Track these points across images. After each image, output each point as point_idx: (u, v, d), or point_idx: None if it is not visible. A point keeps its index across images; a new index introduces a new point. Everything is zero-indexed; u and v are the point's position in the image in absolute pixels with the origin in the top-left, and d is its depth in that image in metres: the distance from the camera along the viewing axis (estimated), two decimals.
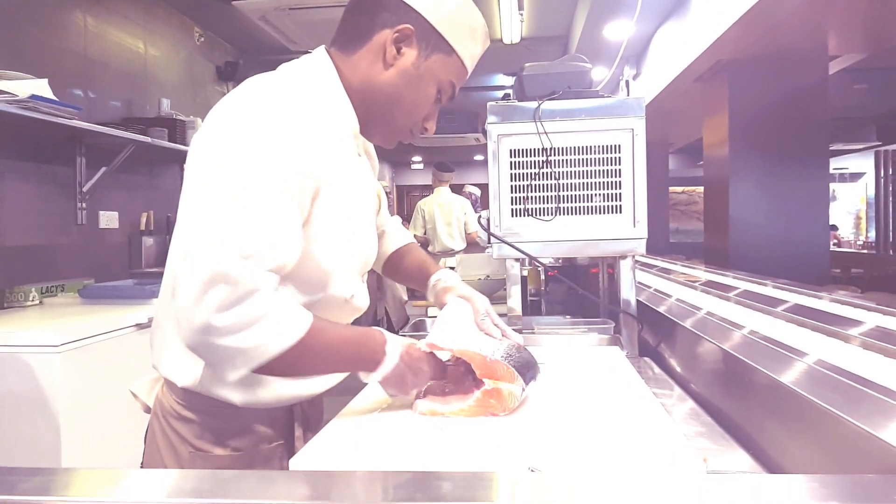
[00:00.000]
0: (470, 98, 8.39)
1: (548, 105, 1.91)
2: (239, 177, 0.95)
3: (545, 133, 1.91)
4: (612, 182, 1.92)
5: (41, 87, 2.83)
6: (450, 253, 6.53)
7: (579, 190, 1.92)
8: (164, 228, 4.36)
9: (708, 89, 4.98)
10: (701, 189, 11.16)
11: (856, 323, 1.72)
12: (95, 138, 3.45)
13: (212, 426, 1.12)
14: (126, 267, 4.03)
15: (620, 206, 1.92)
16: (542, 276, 3.08)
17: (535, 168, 1.93)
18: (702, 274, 3.69)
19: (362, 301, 1.24)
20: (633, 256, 1.94)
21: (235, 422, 1.12)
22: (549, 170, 1.92)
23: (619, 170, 1.91)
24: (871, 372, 1.20)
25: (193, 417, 1.13)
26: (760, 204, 5.04)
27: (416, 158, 14.00)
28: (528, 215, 1.94)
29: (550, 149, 1.91)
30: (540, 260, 2.00)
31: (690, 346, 1.77)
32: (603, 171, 1.92)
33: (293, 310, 0.98)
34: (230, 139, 0.96)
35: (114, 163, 3.66)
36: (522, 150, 1.93)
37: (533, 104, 1.92)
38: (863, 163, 11.51)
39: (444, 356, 1.18)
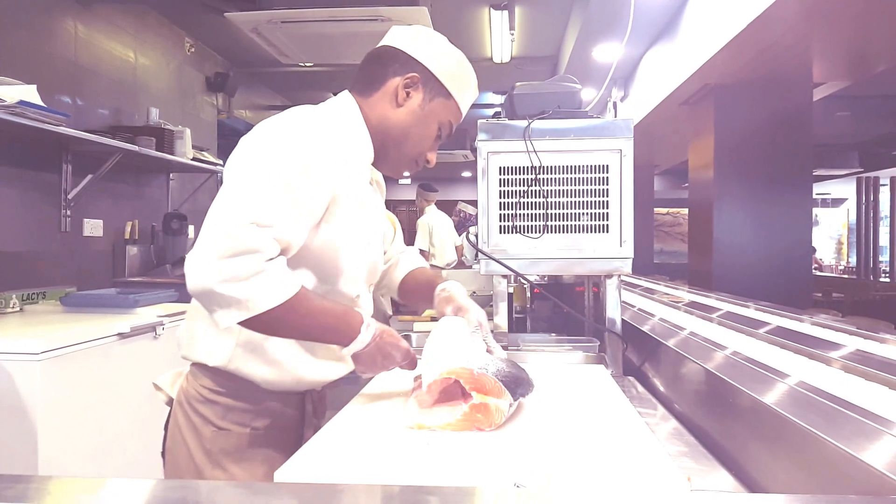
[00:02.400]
0: None
1: (538, 124, 1.93)
2: (263, 166, 1.14)
3: (534, 151, 1.92)
4: (599, 202, 1.93)
5: (30, 92, 2.81)
6: (450, 265, 6.61)
7: (567, 208, 1.94)
8: (149, 238, 4.34)
9: (694, 112, 5.04)
10: (685, 211, 11.26)
11: (836, 346, 1.74)
12: (82, 145, 3.43)
13: (234, 407, 1.28)
14: (109, 275, 3.99)
15: (607, 225, 1.93)
16: (528, 294, 3.09)
17: (523, 186, 1.94)
18: (685, 294, 3.72)
19: (367, 304, 1.42)
20: (619, 276, 1.96)
21: (256, 403, 1.29)
22: (537, 188, 1.94)
23: (607, 189, 1.93)
24: (852, 394, 1.21)
25: (218, 399, 1.28)
26: (744, 227, 5.09)
27: (405, 174, 14.02)
28: (516, 232, 1.95)
29: (539, 167, 1.93)
30: (526, 277, 2.01)
31: (674, 365, 1.78)
32: (590, 190, 1.94)
33: (286, 273, 1.14)
34: (265, 142, 1.17)
35: (100, 170, 3.64)
36: (512, 167, 1.95)
37: (523, 123, 1.93)
38: (845, 188, 11.66)
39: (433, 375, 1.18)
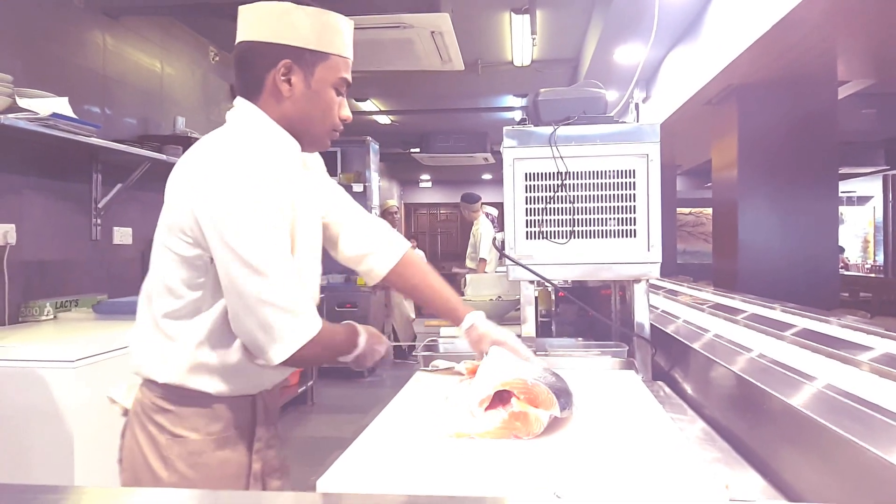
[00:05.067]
0: (479, 118, 8.45)
1: (563, 130, 1.94)
2: (246, 239, 1.21)
3: (560, 157, 1.93)
4: (626, 206, 1.94)
5: (62, 105, 2.87)
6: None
7: (593, 214, 1.94)
8: None
9: (718, 112, 5.01)
10: (708, 210, 11.17)
11: (865, 348, 1.73)
12: (112, 155, 3.50)
13: (188, 415, 1.32)
14: (139, 282, 4.03)
15: (635, 230, 1.93)
16: (553, 297, 3.09)
17: (549, 191, 1.95)
18: (710, 296, 3.70)
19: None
20: (647, 280, 1.96)
21: (209, 410, 1.33)
22: (563, 193, 1.94)
23: (634, 194, 1.93)
24: (883, 398, 1.21)
25: (172, 408, 1.32)
26: (769, 226, 5.05)
27: (425, 177, 14.06)
28: (543, 238, 1.96)
29: (566, 173, 1.94)
30: (552, 282, 2.01)
31: (702, 370, 1.78)
32: (617, 195, 1.94)
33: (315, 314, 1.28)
34: (230, 199, 1.21)
35: (129, 179, 3.70)
36: (537, 173, 1.96)
37: (548, 129, 1.94)
38: (871, 186, 11.51)
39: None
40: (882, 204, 9.71)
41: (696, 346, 1.88)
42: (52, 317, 3.22)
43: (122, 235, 3.95)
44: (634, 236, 1.94)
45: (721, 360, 1.69)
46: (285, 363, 1.24)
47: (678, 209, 11.50)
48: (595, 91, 2.08)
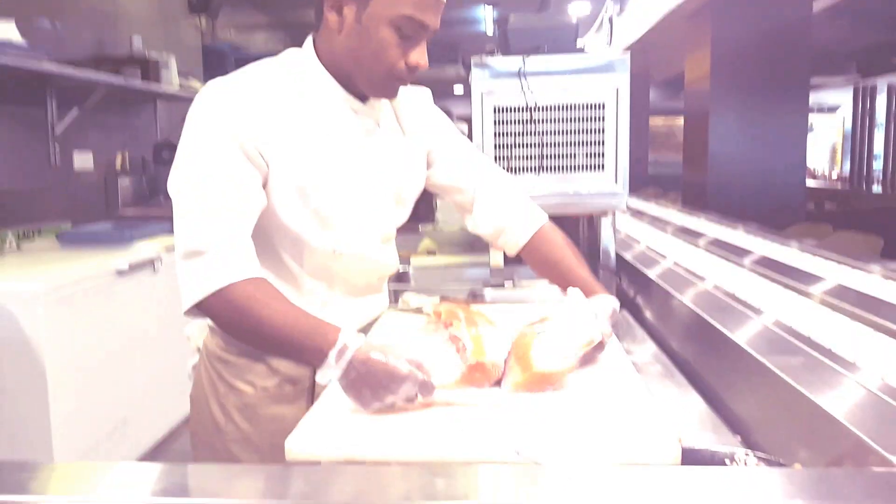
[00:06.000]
0: (446, 29, 8.19)
1: (532, 63, 1.90)
2: (186, 187, 1.13)
3: (530, 90, 1.90)
4: (594, 140, 1.93)
5: (9, 30, 2.73)
6: None
7: (562, 148, 1.93)
8: (140, 168, 4.30)
9: (691, 25, 4.94)
10: (680, 120, 11.17)
11: (818, 279, 1.78)
12: (66, 80, 3.35)
13: (243, 367, 1.28)
14: (102, 209, 3.98)
15: (603, 164, 1.93)
16: None
17: (519, 125, 1.93)
18: (675, 216, 3.74)
19: (354, 260, 1.29)
20: (614, 213, 1.98)
21: (263, 364, 1.27)
22: (532, 127, 1.92)
23: (603, 127, 1.92)
24: (825, 334, 1.31)
25: (230, 359, 1.28)
26: (739, 140, 5.10)
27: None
28: (512, 173, 1.95)
29: (534, 106, 1.91)
30: None
31: (662, 301, 1.84)
32: (586, 128, 1.93)
33: (244, 255, 1.12)
34: (186, 154, 1.14)
35: (86, 103, 3.57)
36: (506, 107, 1.93)
37: (517, 60, 1.90)
38: (840, 95, 11.53)
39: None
40: (851, 113, 9.76)
41: (655, 276, 1.93)
42: (15, 248, 3.16)
43: (83, 161, 3.84)
44: (602, 170, 1.94)
45: (677, 293, 1.74)
46: (190, 313, 1.13)
47: (650, 118, 11.47)
48: (565, 20, 2.03)
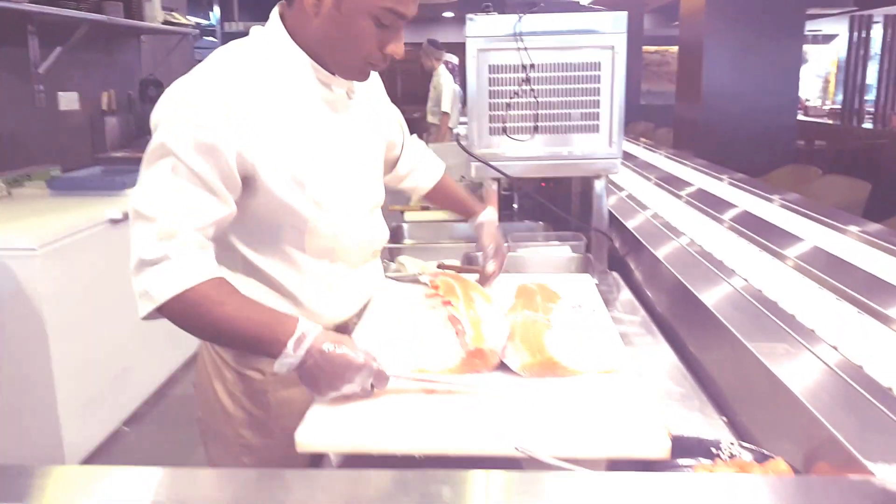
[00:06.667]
0: None
1: (528, 21, 1.86)
2: (150, 156, 1.09)
3: (525, 49, 1.88)
4: (590, 101, 1.92)
5: None
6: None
7: (558, 108, 1.92)
8: (126, 107, 4.23)
9: None
10: (674, 49, 10.97)
11: (796, 240, 1.83)
12: (47, 17, 3.26)
13: (251, 355, 1.24)
14: (90, 150, 3.94)
15: (598, 125, 1.93)
16: None
17: (514, 85, 1.91)
18: (663, 162, 3.76)
19: (352, 236, 1.30)
20: (607, 175, 1.99)
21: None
22: (528, 87, 1.91)
23: (598, 88, 1.91)
24: (796, 302, 1.37)
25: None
26: (733, 73, 5.09)
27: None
28: (506, 133, 1.94)
29: (530, 66, 1.89)
30: (514, 176, 2.02)
31: (648, 263, 1.88)
32: (582, 88, 1.91)
33: (198, 261, 1.07)
34: (159, 127, 1.09)
35: (69, 42, 3.48)
36: (502, 66, 1.91)
37: (514, 18, 1.87)
38: (836, 25, 11.33)
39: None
40: (847, 45, 9.62)
41: (643, 238, 1.97)
42: (6, 194, 3.13)
43: (69, 101, 3.77)
44: (597, 131, 1.94)
45: (662, 257, 1.79)
46: (149, 318, 1.09)
47: (644, 47, 11.28)
48: None
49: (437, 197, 1.71)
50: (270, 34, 1.20)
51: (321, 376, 1.03)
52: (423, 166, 1.66)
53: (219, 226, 1.12)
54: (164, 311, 1.07)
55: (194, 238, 1.08)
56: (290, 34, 1.19)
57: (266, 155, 1.13)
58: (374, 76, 1.41)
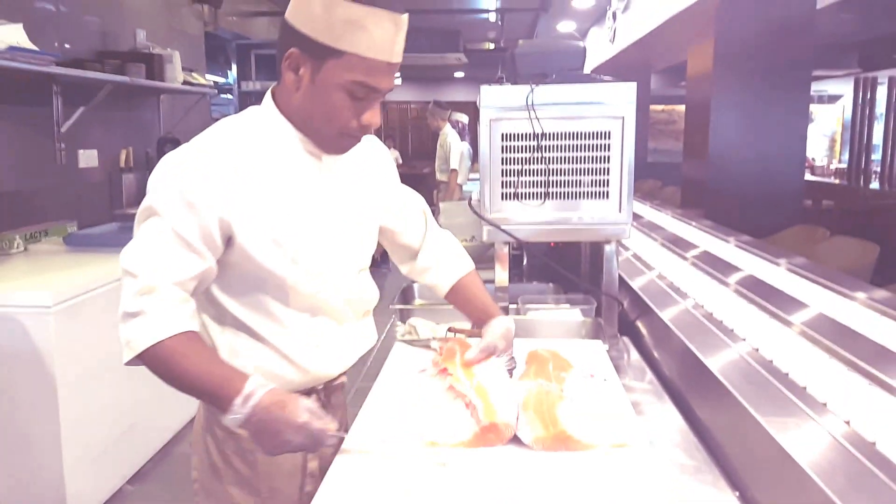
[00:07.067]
0: (451, 17, 8.16)
1: (540, 92, 1.92)
2: (140, 216, 1.18)
3: (537, 118, 1.93)
4: (600, 168, 1.96)
5: (17, 33, 2.74)
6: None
7: (568, 175, 1.96)
8: (144, 165, 4.31)
9: (695, 17, 4.94)
10: (680, 108, 11.13)
11: (801, 306, 1.83)
12: (73, 79, 3.36)
13: None
14: (108, 207, 4.00)
15: (607, 191, 1.96)
16: None
17: (526, 153, 1.96)
18: (669, 221, 3.78)
19: (336, 296, 1.33)
20: (618, 241, 2.01)
21: None
22: (539, 154, 1.95)
23: (608, 156, 1.95)
24: (800, 369, 1.37)
25: None
26: (739, 134, 5.13)
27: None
28: (517, 199, 1.98)
29: (541, 134, 1.94)
30: (525, 240, 2.05)
31: (657, 329, 1.89)
32: (592, 157, 1.95)
33: (169, 316, 1.14)
34: (150, 192, 1.18)
35: (92, 102, 3.58)
36: (514, 134, 1.95)
37: (526, 89, 1.92)
38: (841, 86, 11.51)
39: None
40: (852, 104, 9.75)
41: (650, 301, 1.99)
42: (22, 249, 3.19)
43: (88, 158, 3.85)
44: (607, 198, 1.97)
45: (669, 321, 1.80)
46: (130, 363, 1.17)
47: (651, 106, 11.44)
48: (573, 44, 2.05)
49: (457, 299, 1.61)
50: (262, 110, 1.27)
51: (264, 433, 1.11)
52: (446, 263, 1.61)
53: (200, 280, 1.20)
54: (143, 359, 1.15)
55: (173, 292, 1.15)
56: (280, 110, 1.26)
57: (246, 218, 1.19)
58: (387, 158, 1.49)
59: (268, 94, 1.28)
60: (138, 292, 1.14)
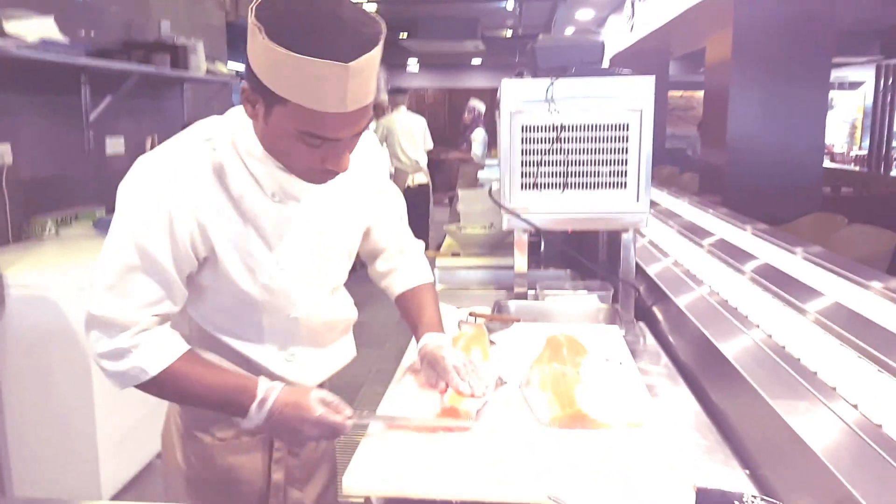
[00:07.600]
0: (468, 5, 8.17)
1: (559, 86, 1.97)
2: (106, 248, 1.20)
3: (556, 111, 1.98)
4: (618, 159, 2.00)
5: (48, 26, 2.82)
6: (416, 167, 6.60)
7: (586, 165, 2.01)
8: None
9: (714, 4, 4.93)
10: (699, 93, 11.08)
11: (817, 294, 1.87)
12: (101, 70, 3.45)
13: (200, 415, 1.31)
14: None
15: (625, 181, 2.01)
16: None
17: (545, 144, 2.01)
18: (685, 208, 3.81)
19: (311, 317, 1.31)
20: (635, 230, 2.06)
21: (219, 415, 1.28)
22: (558, 146, 2.00)
23: (627, 147, 2.00)
24: (813, 357, 1.41)
25: (190, 407, 1.32)
26: (759, 123, 5.12)
27: (412, 60, 13.65)
28: (537, 189, 2.03)
29: (561, 126, 1.99)
30: (545, 228, 2.10)
31: (672, 315, 1.94)
32: (610, 147, 2.00)
33: (165, 342, 1.17)
34: (116, 217, 1.19)
35: (118, 91, 3.67)
36: (534, 126, 2.00)
37: (546, 82, 1.97)
38: (863, 72, 11.39)
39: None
40: (873, 92, 9.67)
41: (666, 287, 2.04)
42: (54, 233, 3.29)
43: (115, 145, 3.95)
44: (625, 188, 2.02)
45: (685, 308, 1.85)
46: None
47: (669, 92, 11.41)
48: (592, 39, 2.09)
49: (406, 306, 1.51)
50: (243, 119, 1.17)
51: (283, 432, 1.19)
52: (403, 271, 1.52)
53: (174, 301, 1.19)
54: (150, 384, 1.16)
55: (156, 321, 1.16)
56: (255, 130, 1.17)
57: (219, 241, 1.17)
58: (378, 157, 1.43)
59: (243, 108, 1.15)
60: (122, 332, 1.13)
